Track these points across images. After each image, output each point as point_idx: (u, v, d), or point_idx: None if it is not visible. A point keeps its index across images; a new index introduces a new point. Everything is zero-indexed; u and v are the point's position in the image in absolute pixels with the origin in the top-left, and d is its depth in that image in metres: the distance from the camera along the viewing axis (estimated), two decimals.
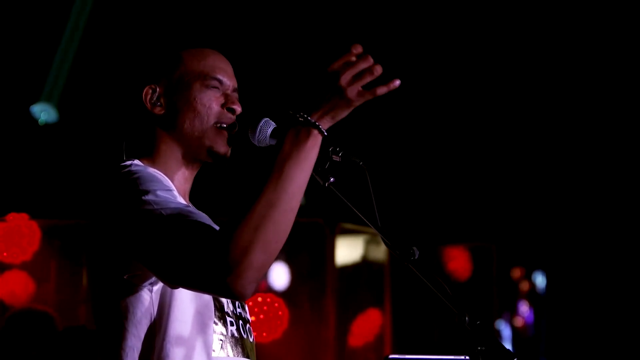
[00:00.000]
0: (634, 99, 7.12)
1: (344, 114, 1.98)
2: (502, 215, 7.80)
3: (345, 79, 1.95)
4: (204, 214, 2.04)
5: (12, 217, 5.95)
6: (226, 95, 2.29)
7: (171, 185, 2.14)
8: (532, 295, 9.04)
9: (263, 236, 1.89)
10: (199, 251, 1.91)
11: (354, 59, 1.97)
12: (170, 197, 2.05)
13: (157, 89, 2.28)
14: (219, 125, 2.25)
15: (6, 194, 6.10)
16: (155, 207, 2.00)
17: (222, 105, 2.27)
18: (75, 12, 6.21)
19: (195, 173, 2.32)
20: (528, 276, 9.05)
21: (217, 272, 1.89)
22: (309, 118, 1.96)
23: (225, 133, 2.26)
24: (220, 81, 2.29)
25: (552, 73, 7.08)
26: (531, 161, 7.67)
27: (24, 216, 5.97)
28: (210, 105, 2.26)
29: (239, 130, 2.27)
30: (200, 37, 6.02)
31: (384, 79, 2.00)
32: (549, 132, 7.46)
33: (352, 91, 1.95)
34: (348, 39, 1.99)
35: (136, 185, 2.06)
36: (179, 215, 1.98)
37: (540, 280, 9.03)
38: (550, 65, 7.03)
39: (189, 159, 2.28)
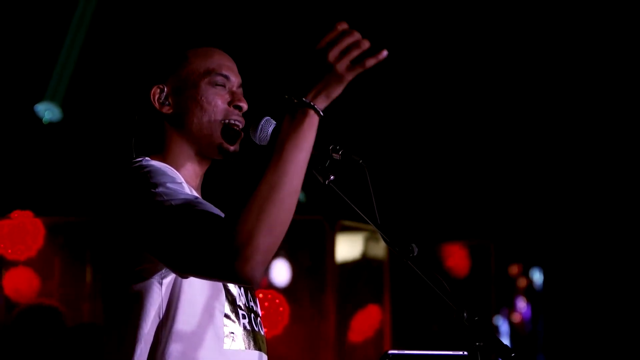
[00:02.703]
0: (631, 96, 7.14)
1: (337, 90, 1.97)
2: (500, 213, 7.83)
3: (333, 55, 1.95)
4: (212, 205, 2.05)
5: (16, 214, 5.97)
6: (232, 93, 2.33)
7: (181, 179, 2.16)
8: (530, 292, 9.06)
9: (267, 218, 1.90)
10: (207, 238, 1.92)
11: (339, 35, 1.96)
12: (179, 189, 2.07)
13: (165, 89, 2.32)
14: (226, 122, 2.29)
15: (11, 191, 6.12)
16: (165, 198, 2.03)
17: (229, 103, 2.31)
18: (79, 11, 6.23)
19: (205, 169, 2.35)
20: (525, 273, 9.07)
21: (225, 257, 1.89)
22: (304, 99, 1.96)
23: (233, 130, 2.29)
24: (226, 77, 2.32)
25: (548, 71, 7.09)
26: (529, 159, 7.69)
27: (28, 214, 5.99)
28: (217, 103, 2.30)
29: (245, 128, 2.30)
30: (203, 35, 6.06)
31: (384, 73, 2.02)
32: (546, 130, 7.48)
33: (342, 66, 1.94)
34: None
35: (147, 179, 2.09)
36: (188, 205, 2.00)
37: (537, 276, 9.05)
38: (547, 62, 7.05)
39: (199, 156, 2.31)
